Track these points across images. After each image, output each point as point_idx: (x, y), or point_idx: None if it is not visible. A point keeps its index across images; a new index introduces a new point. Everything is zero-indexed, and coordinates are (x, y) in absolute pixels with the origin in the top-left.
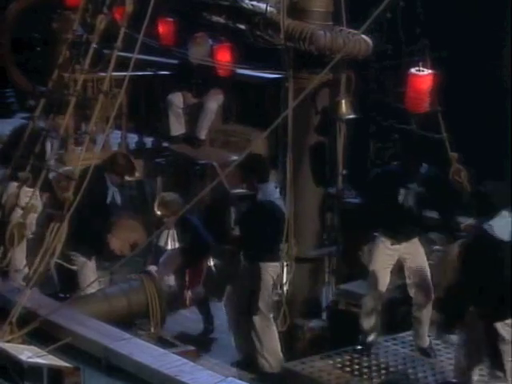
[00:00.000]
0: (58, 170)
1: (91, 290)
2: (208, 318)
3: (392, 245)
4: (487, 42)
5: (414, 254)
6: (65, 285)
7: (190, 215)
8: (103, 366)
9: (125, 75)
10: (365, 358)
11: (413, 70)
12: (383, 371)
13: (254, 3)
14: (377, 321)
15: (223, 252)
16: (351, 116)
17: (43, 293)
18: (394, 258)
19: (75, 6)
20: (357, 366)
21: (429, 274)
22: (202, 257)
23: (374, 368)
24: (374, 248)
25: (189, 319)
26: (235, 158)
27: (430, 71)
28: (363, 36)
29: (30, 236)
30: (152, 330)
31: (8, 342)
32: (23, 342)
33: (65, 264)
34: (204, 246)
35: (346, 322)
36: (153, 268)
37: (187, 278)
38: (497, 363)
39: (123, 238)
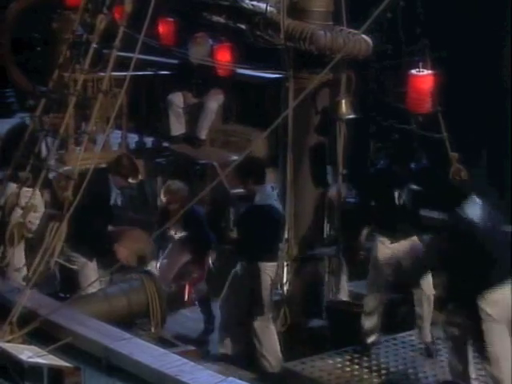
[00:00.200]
0: (57, 170)
1: (92, 289)
2: (209, 317)
3: (391, 243)
4: (487, 42)
5: (413, 252)
6: (66, 284)
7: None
8: (103, 366)
9: (125, 75)
10: (365, 358)
11: (414, 71)
12: (383, 371)
13: (254, 3)
14: (378, 320)
15: (223, 252)
16: (351, 116)
17: (43, 292)
18: (394, 257)
19: (75, 6)
20: (357, 366)
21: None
22: (206, 248)
23: (374, 368)
24: (373, 247)
25: (189, 319)
26: (235, 158)
27: (431, 71)
28: (363, 36)
29: (31, 236)
30: (152, 329)
31: (8, 341)
32: (23, 342)
33: (65, 264)
34: (208, 236)
35: (346, 321)
36: (154, 265)
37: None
38: (484, 350)
39: (131, 248)
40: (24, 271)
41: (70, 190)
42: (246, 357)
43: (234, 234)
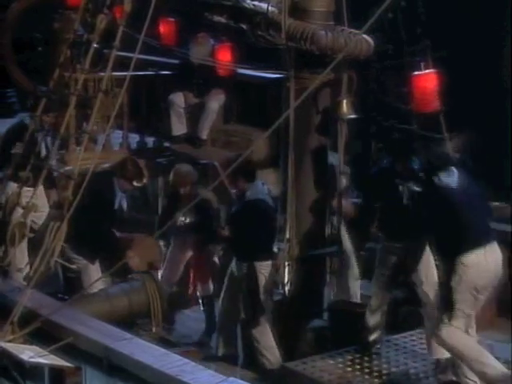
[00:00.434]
0: (58, 170)
1: (93, 289)
2: (211, 317)
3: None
4: (488, 42)
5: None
6: (68, 286)
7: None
8: (104, 366)
9: (126, 75)
10: (366, 358)
11: (419, 70)
12: (385, 371)
13: (256, 3)
14: (382, 319)
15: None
16: (352, 116)
17: (43, 292)
18: (399, 257)
19: (76, 6)
20: (358, 366)
21: (435, 271)
22: (211, 240)
23: (375, 368)
24: (378, 248)
25: (190, 318)
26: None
27: (434, 71)
28: (365, 36)
29: (33, 235)
30: (153, 329)
31: (9, 341)
32: (25, 342)
33: (66, 264)
34: (214, 221)
35: (347, 321)
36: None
37: (194, 274)
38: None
39: (142, 255)
40: (26, 271)
41: (70, 190)
42: (246, 356)
43: (225, 232)
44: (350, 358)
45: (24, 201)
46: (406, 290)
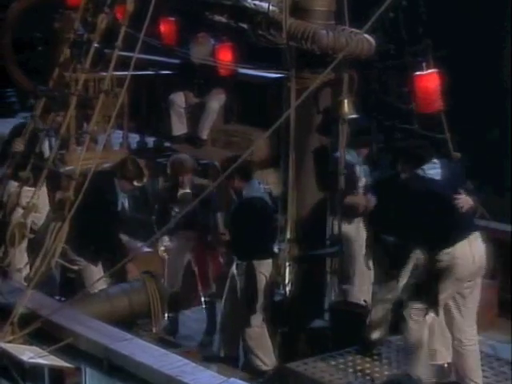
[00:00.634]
0: (58, 170)
1: (93, 290)
2: (213, 317)
3: None
4: (488, 42)
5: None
6: (65, 288)
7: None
8: (104, 367)
9: (126, 75)
10: (367, 359)
11: (420, 70)
12: (386, 372)
13: (256, 2)
14: (386, 318)
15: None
16: (353, 116)
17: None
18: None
19: (76, 6)
20: (359, 367)
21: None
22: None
23: (376, 369)
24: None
25: (191, 319)
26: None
27: (436, 70)
28: (366, 35)
29: (33, 236)
30: (154, 330)
31: (9, 342)
32: (24, 343)
33: (67, 265)
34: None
35: (348, 322)
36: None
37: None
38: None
39: (142, 268)
40: (25, 271)
41: (71, 191)
42: (245, 357)
43: (226, 237)
44: (351, 358)
45: (25, 201)
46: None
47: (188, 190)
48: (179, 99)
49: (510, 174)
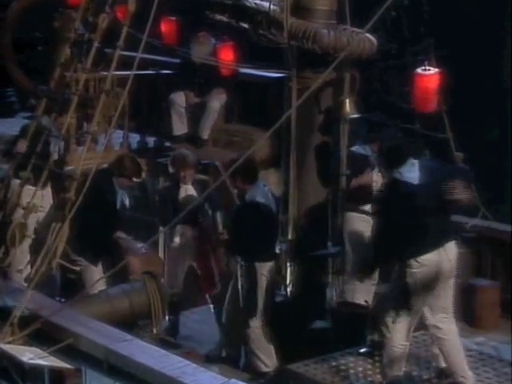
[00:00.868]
0: (59, 170)
1: (94, 290)
2: (220, 320)
3: None
4: (488, 42)
5: None
6: (65, 290)
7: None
8: (105, 368)
9: (127, 74)
10: (369, 360)
11: (419, 69)
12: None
13: (258, 2)
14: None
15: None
16: (355, 115)
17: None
18: None
19: (77, 5)
20: (361, 368)
21: None
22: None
23: (377, 370)
24: None
25: (191, 320)
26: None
27: (435, 70)
28: (367, 35)
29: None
30: (154, 331)
31: (9, 343)
32: (25, 343)
33: (68, 265)
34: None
35: (350, 323)
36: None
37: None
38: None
39: (144, 269)
40: (26, 272)
41: (72, 191)
42: (246, 358)
43: (224, 236)
44: (352, 359)
45: (26, 201)
46: None
47: (190, 186)
48: (180, 99)
49: (510, 174)
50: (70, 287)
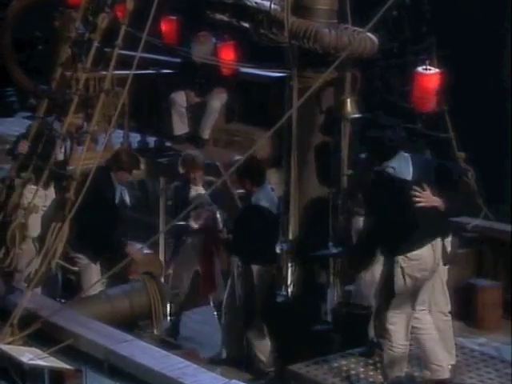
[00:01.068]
0: (59, 170)
1: (94, 291)
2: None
3: None
4: (488, 42)
5: None
6: (66, 290)
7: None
8: (105, 368)
9: (127, 74)
10: (370, 361)
11: (420, 69)
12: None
13: (258, 1)
14: None
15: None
16: (356, 115)
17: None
18: None
19: (77, 5)
20: (362, 369)
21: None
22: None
23: (379, 371)
24: None
25: (192, 320)
26: (239, 157)
27: (436, 70)
28: (369, 34)
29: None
30: (155, 331)
31: (9, 343)
32: (24, 344)
33: (68, 266)
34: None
35: (351, 324)
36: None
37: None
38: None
39: (143, 270)
40: (26, 272)
41: (72, 191)
42: (248, 359)
43: (224, 235)
44: (353, 360)
45: (27, 201)
46: None
47: (200, 187)
48: (180, 98)
49: (510, 174)
50: (70, 288)
